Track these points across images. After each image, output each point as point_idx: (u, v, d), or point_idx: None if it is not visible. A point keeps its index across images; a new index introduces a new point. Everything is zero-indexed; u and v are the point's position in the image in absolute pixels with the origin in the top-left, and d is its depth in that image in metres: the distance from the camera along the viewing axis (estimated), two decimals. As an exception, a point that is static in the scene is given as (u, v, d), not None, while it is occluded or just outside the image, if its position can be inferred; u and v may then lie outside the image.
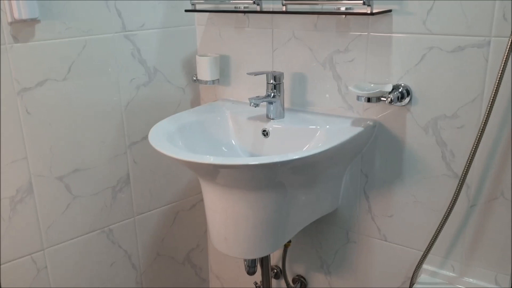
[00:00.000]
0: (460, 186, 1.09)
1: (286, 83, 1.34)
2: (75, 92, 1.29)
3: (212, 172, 1.11)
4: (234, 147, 1.33)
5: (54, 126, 1.28)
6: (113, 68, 1.36)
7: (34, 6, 1.16)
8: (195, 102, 1.60)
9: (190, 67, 1.54)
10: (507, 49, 0.98)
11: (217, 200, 1.18)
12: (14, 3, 1.13)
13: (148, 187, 1.53)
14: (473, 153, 1.06)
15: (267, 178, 1.11)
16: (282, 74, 1.29)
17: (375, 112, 1.24)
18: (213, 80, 1.45)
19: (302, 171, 1.14)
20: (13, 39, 1.16)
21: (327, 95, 1.30)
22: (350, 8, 1.13)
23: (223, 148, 1.32)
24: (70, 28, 1.25)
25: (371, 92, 1.14)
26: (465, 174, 1.08)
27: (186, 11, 1.38)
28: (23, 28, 1.17)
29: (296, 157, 1.03)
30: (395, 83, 1.18)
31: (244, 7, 1.29)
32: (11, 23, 1.15)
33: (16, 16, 1.14)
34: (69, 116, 1.30)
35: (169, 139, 1.19)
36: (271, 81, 1.28)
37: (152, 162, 1.51)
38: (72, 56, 1.27)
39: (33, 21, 1.18)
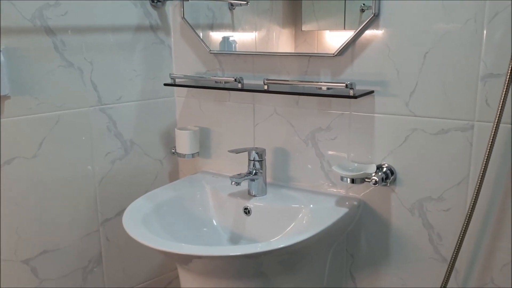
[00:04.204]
0: (449, 271, 1.05)
1: (268, 157, 1.31)
2: (45, 169, 1.22)
3: (188, 261, 1.05)
4: (215, 227, 1.27)
5: (22, 206, 1.20)
6: (87, 143, 1.30)
7: (5, 82, 1.11)
8: (174, 174, 1.54)
9: (168, 138, 1.49)
10: (491, 136, 0.97)
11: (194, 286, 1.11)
12: (-18, 80, 1.08)
13: (122, 266, 1.44)
14: (461, 238, 1.03)
15: (249, 267, 1.05)
16: (264, 150, 1.25)
17: (359, 190, 1.20)
18: (192, 154, 1.40)
19: (285, 255, 1.08)
20: (-21, 117, 1.10)
21: (310, 172, 1.27)
22: (331, 89, 1.11)
23: (204, 228, 1.26)
24: (42, 104, 1.19)
25: (355, 173, 1.11)
26: (454, 259, 1.05)
27: (165, 85, 1.34)
28: (-9, 105, 1.11)
29: (282, 245, 0.99)
30: (378, 163, 1.16)
31: (225, 83, 1.26)
32: (-22, 101, 1.09)
33: (-16, 93, 1.09)
34: (38, 194, 1.22)
35: (144, 221, 1.13)
36: (253, 158, 1.24)
37: (126, 238, 1.42)
38: (44, 132, 1.21)
39: (3, 97, 1.12)
